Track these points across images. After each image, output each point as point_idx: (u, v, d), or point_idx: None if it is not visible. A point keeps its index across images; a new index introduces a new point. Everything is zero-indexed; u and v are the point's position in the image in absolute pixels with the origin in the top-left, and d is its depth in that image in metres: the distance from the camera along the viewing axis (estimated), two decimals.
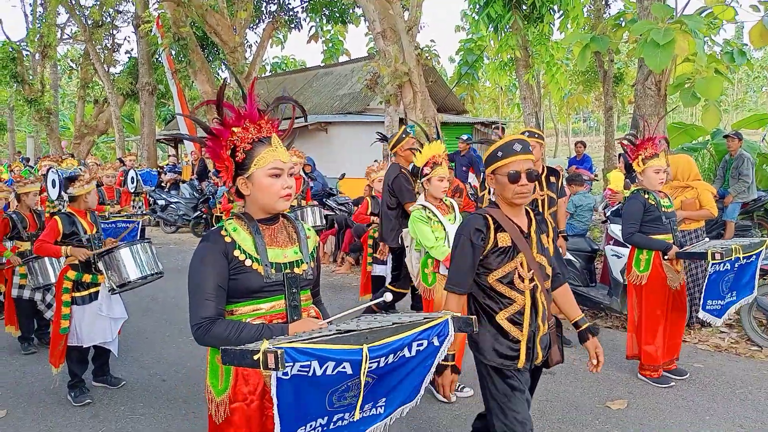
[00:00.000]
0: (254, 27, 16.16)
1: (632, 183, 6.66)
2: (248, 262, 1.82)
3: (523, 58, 9.91)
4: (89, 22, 19.44)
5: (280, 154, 1.86)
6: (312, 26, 17.06)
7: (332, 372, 1.55)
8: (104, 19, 19.70)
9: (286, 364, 1.47)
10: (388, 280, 5.80)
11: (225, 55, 13.94)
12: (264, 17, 16.19)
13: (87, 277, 3.96)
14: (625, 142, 4.19)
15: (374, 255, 5.72)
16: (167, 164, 15.25)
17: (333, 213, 9.30)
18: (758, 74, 37.30)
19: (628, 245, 5.39)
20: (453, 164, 8.77)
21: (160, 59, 17.19)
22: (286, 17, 16.07)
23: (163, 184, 13.53)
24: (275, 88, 18.73)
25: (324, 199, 9.65)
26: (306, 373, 1.52)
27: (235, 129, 1.83)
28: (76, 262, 3.93)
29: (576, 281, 5.68)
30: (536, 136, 5.08)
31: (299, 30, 16.76)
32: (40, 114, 20.86)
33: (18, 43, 21.21)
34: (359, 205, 8.97)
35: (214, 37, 13.69)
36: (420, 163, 3.76)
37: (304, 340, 1.55)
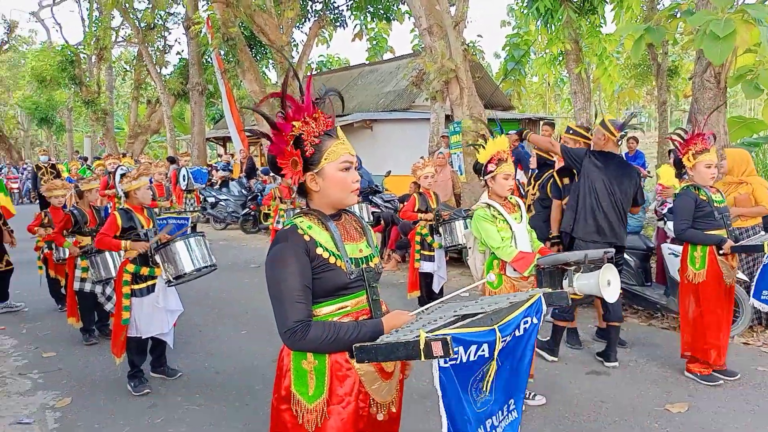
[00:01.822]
0: (300, 26, 16.34)
1: (681, 179, 6.44)
2: (332, 260, 1.76)
3: (574, 51, 9.68)
4: (142, 24, 20.08)
5: (348, 146, 1.83)
6: (356, 24, 17.15)
7: (474, 357, 1.55)
8: (156, 21, 20.31)
9: (455, 349, 1.44)
10: (436, 277, 5.79)
11: (272, 55, 14.14)
12: (310, 16, 16.37)
13: (145, 270, 4.09)
14: (675, 137, 4.06)
15: (422, 252, 5.71)
16: (217, 161, 15.60)
17: (379, 210, 9.33)
18: None
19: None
20: None
21: (209, 60, 17.61)
22: (332, 16, 16.19)
23: (213, 182, 13.88)
24: (320, 86, 18.91)
25: (370, 197, 9.69)
26: (455, 361, 1.52)
27: (295, 123, 1.78)
28: (135, 255, 4.07)
29: (631, 280, 5.52)
30: (570, 132, 4.96)
31: (344, 28, 16.87)
32: (96, 114, 21.72)
33: (76, 47, 22.13)
34: (405, 202, 8.99)
35: (262, 36, 13.90)
36: (483, 159, 3.56)
37: (445, 325, 1.54)
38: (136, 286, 4.09)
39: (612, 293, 2.62)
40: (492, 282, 3.47)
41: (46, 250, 6.11)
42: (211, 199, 12.87)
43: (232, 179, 13.92)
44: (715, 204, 3.94)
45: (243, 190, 12.92)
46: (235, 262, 9.11)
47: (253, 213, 12.18)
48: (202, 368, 4.58)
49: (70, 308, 5.35)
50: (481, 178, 3.59)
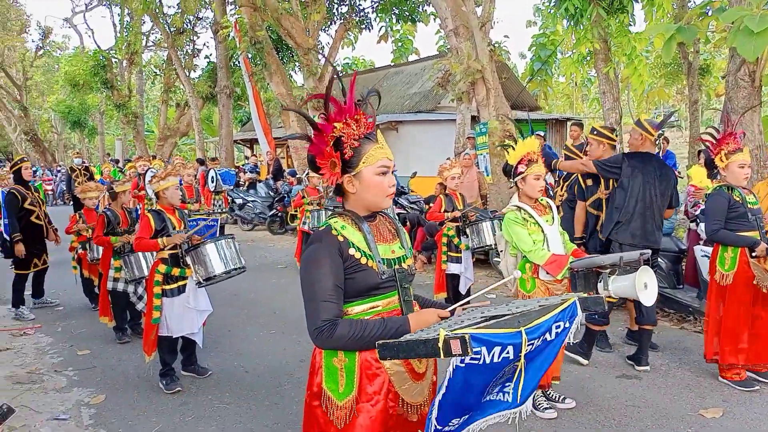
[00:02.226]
0: (326, 29, 16.45)
1: (713, 179, 6.30)
2: (363, 260, 1.79)
3: (602, 50, 9.55)
4: (172, 29, 20.44)
5: (387, 151, 1.85)
6: (382, 26, 17.18)
7: (498, 358, 1.54)
8: (185, 25, 20.65)
9: (474, 349, 1.45)
10: (463, 278, 5.77)
11: (299, 57, 14.26)
12: (335, 19, 16.46)
13: (176, 271, 4.16)
14: (706, 136, 3.97)
15: (449, 253, 5.70)
16: (245, 164, 15.79)
17: (405, 211, 9.33)
18: None
19: None
20: None
21: (237, 63, 17.83)
22: (357, 18, 16.26)
23: (240, 184, 14.05)
24: (346, 88, 18.99)
25: (396, 198, 9.70)
26: (477, 361, 1.51)
27: (336, 124, 1.80)
28: (166, 256, 4.13)
29: (662, 283, 5.43)
30: (595, 132, 4.86)
31: (369, 30, 16.92)
32: (127, 118, 22.19)
33: (108, 52, 22.64)
34: (432, 204, 8.97)
35: (289, 39, 14.03)
36: (513, 160, 3.50)
37: (470, 325, 1.54)
38: (167, 287, 4.16)
39: (649, 296, 2.58)
40: (522, 279, 3.45)
41: (80, 251, 6.26)
42: (238, 201, 13.04)
43: (259, 181, 14.08)
44: (749, 205, 3.86)
45: (270, 192, 13.06)
46: (263, 263, 9.21)
47: (279, 214, 12.29)
48: (231, 367, 4.65)
49: (102, 307, 5.47)
50: (511, 179, 3.54)
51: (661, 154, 10.82)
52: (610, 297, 2.74)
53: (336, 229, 1.82)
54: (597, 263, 3.02)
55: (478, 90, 9.59)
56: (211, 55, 23.08)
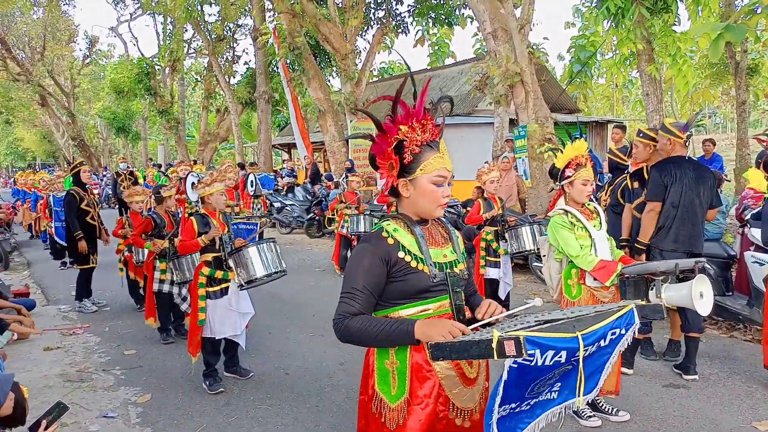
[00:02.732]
0: (363, 34, 16.56)
1: None
2: (414, 263, 1.79)
3: (646, 51, 9.33)
4: (212, 36, 20.88)
5: (446, 161, 1.84)
6: (418, 30, 17.21)
7: (550, 362, 1.55)
8: (225, 33, 21.06)
9: (529, 351, 1.46)
10: (502, 283, 5.70)
11: (337, 62, 14.38)
12: (372, 24, 16.56)
13: (219, 273, 4.23)
14: (764, 137, 3.82)
15: (487, 257, 5.64)
16: (282, 168, 16.00)
17: (443, 216, 9.29)
18: None
19: None
20: None
21: (276, 69, 18.09)
22: (394, 23, 16.31)
23: (279, 188, 14.24)
24: (383, 92, 19.08)
25: None
26: (530, 363, 1.52)
27: (401, 127, 1.81)
28: (210, 259, 4.21)
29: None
30: (641, 135, 4.73)
31: (406, 34, 16.96)
32: (169, 123, 22.76)
33: (151, 59, 23.27)
34: (469, 207, 8.91)
35: (327, 45, 14.18)
36: (561, 164, 3.43)
37: (524, 328, 1.55)
38: (210, 289, 4.23)
39: (705, 306, 2.50)
40: (567, 284, 3.38)
41: (126, 253, 6.45)
42: (277, 204, 13.21)
43: (297, 185, 14.25)
44: None
45: (307, 196, 13.20)
46: (302, 266, 9.30)
47: (317, 218, 12.41)
48: (272, 369, 4.70)
49: (148, 309, 5.62)
50: (557, 183, 3.48)
51: (706, 157, 10.51)
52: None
53: (388, 232, 1.84)
54: (650, 270, 2.94)
55: (517, 93, 9.49)
56: (250, 61, 23.48)
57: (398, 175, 1.84)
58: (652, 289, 2.78)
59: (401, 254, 1.80)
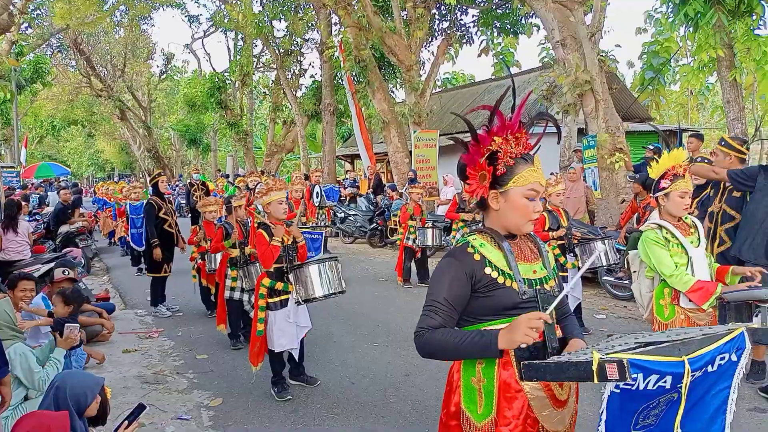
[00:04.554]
0: (428, 45, 16.59)
1: None
2: (501, 279, 1.76)
3: (727, 57, 8.88)
4: (281, 50, 21.49)
5: (540, 176, 1.81)
6: (483, 40, 17.07)
7: (653, 386, 1.48)
8: (293, 47, 21.63)
9: (632, 375, 1.39)
10: (571, 297, 5.53)
11: (401, 74, 14.47)
12: (437, 35, 16.56)
13: (279, 285, 4.23)
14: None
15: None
16: (345, 178, 16.19)
17: None
18: None
19: None
20: (636, 175, 8.13)
21: (341, 81, 18.40)
22: (459, 33, 16.26)
23: (342, 198, 14.42)
24: (447, 103, 19.03)
25: None
26: (631, 387, 1.45)
27: (496, 138, 1.78)
28: (272, 269, 4.24)
29: None
30: (723, 143, 4.51)
31: (470, 44, 16.86)
32: (239, 135, 23.55)
33: (222, 74, 24.21)
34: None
35: (392, 57, 14.30)
36: (656, 174, 3.18)
37: (625, 350, 1.50)
38: (270, 300, 4.25)
39: None
40: (660, 305, 3.17)
41: (199, 261, 6.69)
42: (340, 215, 13.38)
43: (360, 195, 14.38)
44: None
45: (370, 206, 13.30)
46: (364, 275, 9.37)
47: (380, 228, 12.48)
48: (338, 378, 4.74)
49: (219, 316, 5.80)
50: (652, 195, 3.27)
51: None
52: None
53: (474, 247, 1.81)
54: (756, 297, 2.74)
55: (587, 102, 9.26)
56: (316, 74, 23.98)
57: (490, 187, 1.81)
58: (757, 315, 2.58)
59: (488, 270, 1.77)
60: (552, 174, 7.60)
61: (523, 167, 1.79)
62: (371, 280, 8.93)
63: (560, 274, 5.46)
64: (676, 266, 3.05)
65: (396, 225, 11.95)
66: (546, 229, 5.52)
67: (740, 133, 8.91)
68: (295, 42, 21.63)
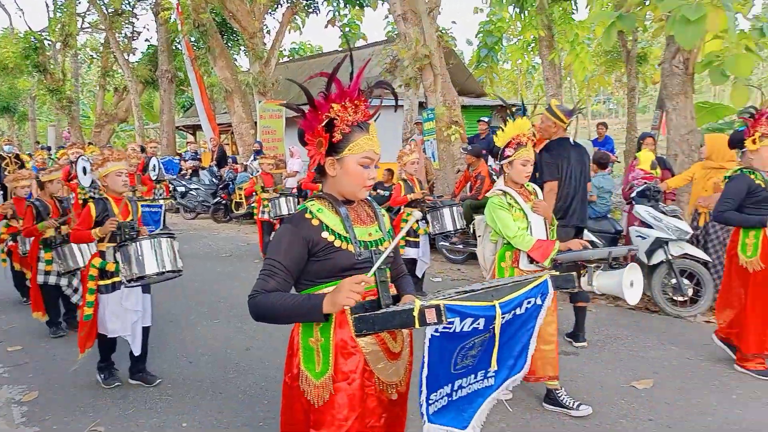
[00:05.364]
0: (272, 12, 16.10)
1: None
2: (338, 243, 1.81)
3: (546, 37, 9.73)
4: (109, 10, 19.55)
5: (375, 144, 1.86)
6: (330, 10, 16.96)
7: (468, 328, 1.62)
8: (124, 6, 19.79)
9: (449, 319, 1.51)
10: (420, 262, 5.82)
11: (244, 41, 13.92)
12: (282, 2, 16.12)
13: (111, 266, 3.85)
14: (746, 116, 3.82)
15: (407, 238, 5.73)
16: (186, 151, 15.35)
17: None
18: None
19: (653, 226, 5.34)
20: (468, 147, 8.70)
21: (179, 46, 17.26)
22: (304, 2, 15.98)
23: (183, 172, 13.66)
24: (293, 73, 18.71)
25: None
26: (449, 329, 1.58)
27: (334, 105, 1.80)
28: (105, 249, 3.89)
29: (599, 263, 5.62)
30: (549, 111, 4.74)
31: (317, 14, 16.67)
32: (61, 103, 21.12)
33: (40, 33, 21.45)
34: (378, 190, 8.95)
35: (234, 23, 13.67)
36: (501, 143, 3.30)
37: (445, 298, 1.60)
38: (102, 282, 3.88)
39: (634, 295, 2.56)
40: (501, 267, 3.34)
41: (10, 242, 5.94)
42: (180, 189, 12.68)
43: (202, 168, 13.74)
44: None
45: (214, 179, 12.77)
46: (207, 252, 9.02)
47: (224, 202, 12.05)
48: (173, 358, 4.53)
49: (34, 302, 5.22)
50: (497, 162, 3.41)
51: (599, 140, 11.17)
52: (592, 292, 2.73)
53: (312, 212, 1.85)
54: (584, 257, 2.99)
55: (426, 76, 9.62)
56: (151, 38, 22.22)
57: (326, 154, 1.85)
58: (584, 276, 2.84)
59: (325, 234, 1.81)
60: (407, 145, 7.84)
61: (359, 135, 1.82)
62: (214, 256, 8.62)
63: (413, 240, 5.72)
64: (518, 229, 3.23)
65: (241, 199, 11.61)
66: (403, 195, 5.73)
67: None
68: (126, 1, 19.80)
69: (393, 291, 1.97)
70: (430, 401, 1.69)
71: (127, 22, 20.16)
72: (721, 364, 4.07)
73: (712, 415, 3.37)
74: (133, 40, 20.76)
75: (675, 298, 5.25)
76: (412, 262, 5.78)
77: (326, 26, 17.08)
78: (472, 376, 1.79)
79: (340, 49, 20.15)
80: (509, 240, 3.26)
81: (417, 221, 5.74)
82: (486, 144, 10.27)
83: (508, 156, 3.27)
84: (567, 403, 3.42)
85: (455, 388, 1.74)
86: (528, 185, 3.42)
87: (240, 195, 11.50)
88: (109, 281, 3.89)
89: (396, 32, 10.75)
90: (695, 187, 5.60)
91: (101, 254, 3.89)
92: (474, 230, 5.69)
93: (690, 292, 5.18)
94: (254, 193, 8.24)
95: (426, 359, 1.62)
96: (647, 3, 7.76)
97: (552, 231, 3.45)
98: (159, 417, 3.56)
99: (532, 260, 3.25)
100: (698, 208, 5.43)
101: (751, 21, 8.09)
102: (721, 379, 3.85)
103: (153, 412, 3.62)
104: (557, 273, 1.97)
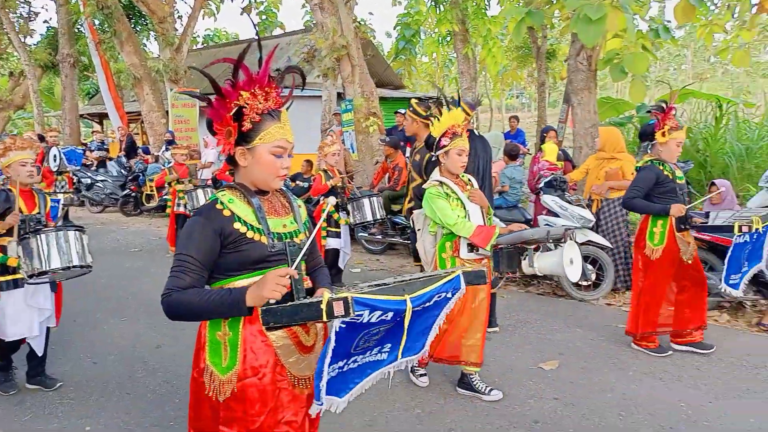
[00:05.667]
0: None
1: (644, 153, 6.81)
2: (250, 234, 1.76)
3: (461, 32, 9.95)
4: None
5: (287, 132, 1.80)
6: None
7: (376, 320, 1.61)
8: None
9: (356, 312, 1.50)
10: (342, 253, 5.81)
11: (153, 26, 13.28)
12: None
13: (13, 261, 3.55)
14: (657, 110, 3.96)
15: (328, 228, 5.70)
16: (92, 140, 14.47)
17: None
18: (678, 52, 39.13)
19: (560, 215, 5.61)
20: (386, 138, 8.77)
21: (82, 29, 16.22)
22: None
23: (88, 163, 12.87)
24: (208, 60, 18.09)
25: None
26: (357, 321, 1.57)
27: (242, 93, 1.73)
28: (6, 243, 3.59)
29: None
30: (411, 109, 4.58)
31: (232, 0, 16.18)
32: None
33: None
34: (297, 181, 8.85)
35: (142, 6, 13.01)
36: (437, 133, 3.32)
37: (355, 291, 1.59)
38: (2, 278, 3.59)
39: (575, 271, 2.61)
40: (442, 257, 3.36)
41: None
42: (86, 181, 11.95)
43: (110, 159, 13.03)
44: (677, 180, 3.97)
45: (122, 171, 12.13)
46: (115, 246, 8.57)
47: (134, 194, 11.49)
48: (76, 358, 4.29)
49: None
50: (433, 153, 3.40)
51: (511, 132, 11.59)
52: (534, 274, 2.76)
53: (222, 203, 1.78)
54: (523, 238, 3.02)
55: (344, 66, 9.58)
56: (51, 19, 20.73)
57: (236, 143, 1.78)
58: (525, 258, 2.88)
59: (237, 225, 1.75)
60: (329, 135, 7.76)
61: (270, 124, 1.77)
62: (122, 251, 8.20)
63: (333, 230, 5.69)
64: (458, 217, 3.26)
65: (152, 191, 11.11)
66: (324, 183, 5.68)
67: (472, 101, 10.13)
68: None
69: (308, 284, 1.92)
70: (321, 387, 1.68)
71: (22, 1, 18.69)
72: (619, 343, 4.35)
73: (611, 391, 3.60)
74: (30, 21, 19.28)
75: (580, 282, 5.55)
76: (335, 254, 5.77)
77: (242, 13, 16.62)
78: (369, 352, 1.80)
79: (256, 37, 19.66)
80: (450, 228, 3.27)
81: (337, 210, 5.74)
82: (403, 136, 10.41)
83: (444, 146, 3.29)
84: (480, 388, 3.53)
85: (349, 362, 1.74)
86: (463, 176, 3.46)
87: (151, 187, 11.00)
88: (9, 277, 3.60)
89: (314, 21, 10.62)
90: (590, 177, 5.94)
91: (2, 249, 3.59)
92: (413, 224, 5.73)
93: (593, 276, 5.50)
94: (166, 185, 7.90)
95: (330, 349, 1.60)
96: (554, 1, 8.12)
97: (489, 219, 3.50)
98: (60, 422, 3.36)
99: (472, 248, 3.28)
100: (591, 195, 5.77)
101: (648, 22, 8.65)
102: (619, 357, 4.12)
103: (53, 417, 3.41)
104: (469, 269, 1.99)
